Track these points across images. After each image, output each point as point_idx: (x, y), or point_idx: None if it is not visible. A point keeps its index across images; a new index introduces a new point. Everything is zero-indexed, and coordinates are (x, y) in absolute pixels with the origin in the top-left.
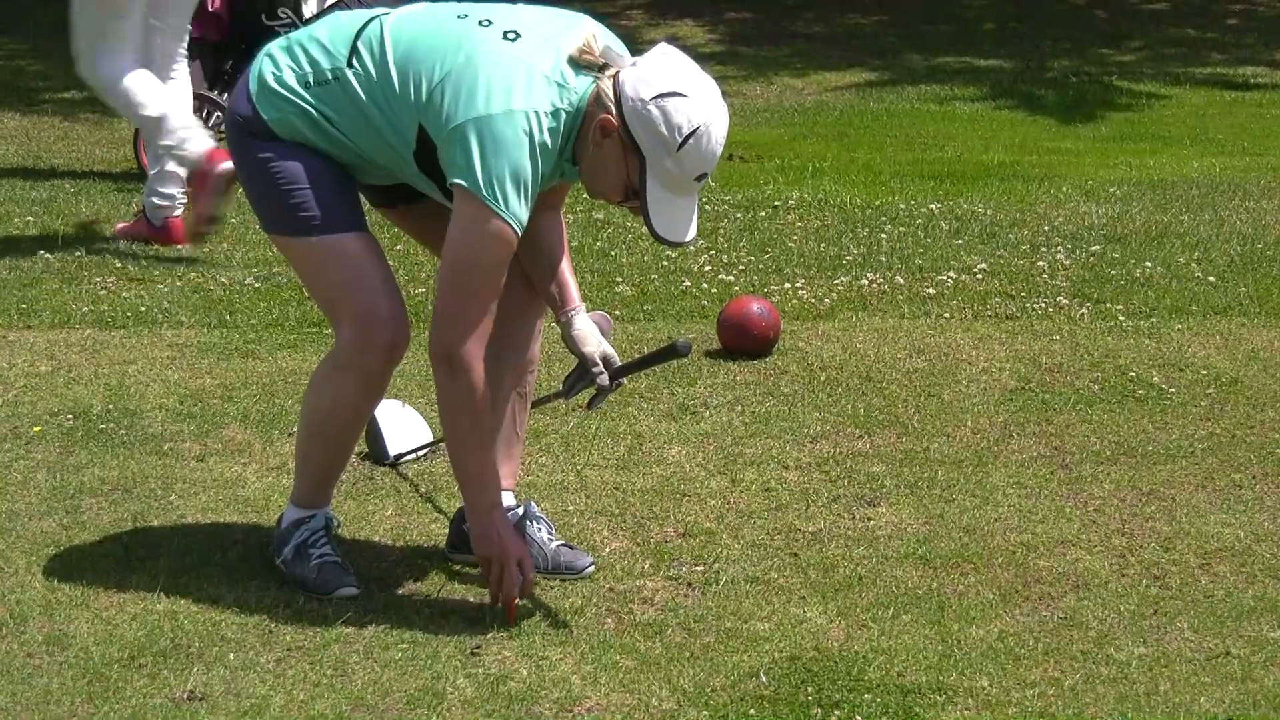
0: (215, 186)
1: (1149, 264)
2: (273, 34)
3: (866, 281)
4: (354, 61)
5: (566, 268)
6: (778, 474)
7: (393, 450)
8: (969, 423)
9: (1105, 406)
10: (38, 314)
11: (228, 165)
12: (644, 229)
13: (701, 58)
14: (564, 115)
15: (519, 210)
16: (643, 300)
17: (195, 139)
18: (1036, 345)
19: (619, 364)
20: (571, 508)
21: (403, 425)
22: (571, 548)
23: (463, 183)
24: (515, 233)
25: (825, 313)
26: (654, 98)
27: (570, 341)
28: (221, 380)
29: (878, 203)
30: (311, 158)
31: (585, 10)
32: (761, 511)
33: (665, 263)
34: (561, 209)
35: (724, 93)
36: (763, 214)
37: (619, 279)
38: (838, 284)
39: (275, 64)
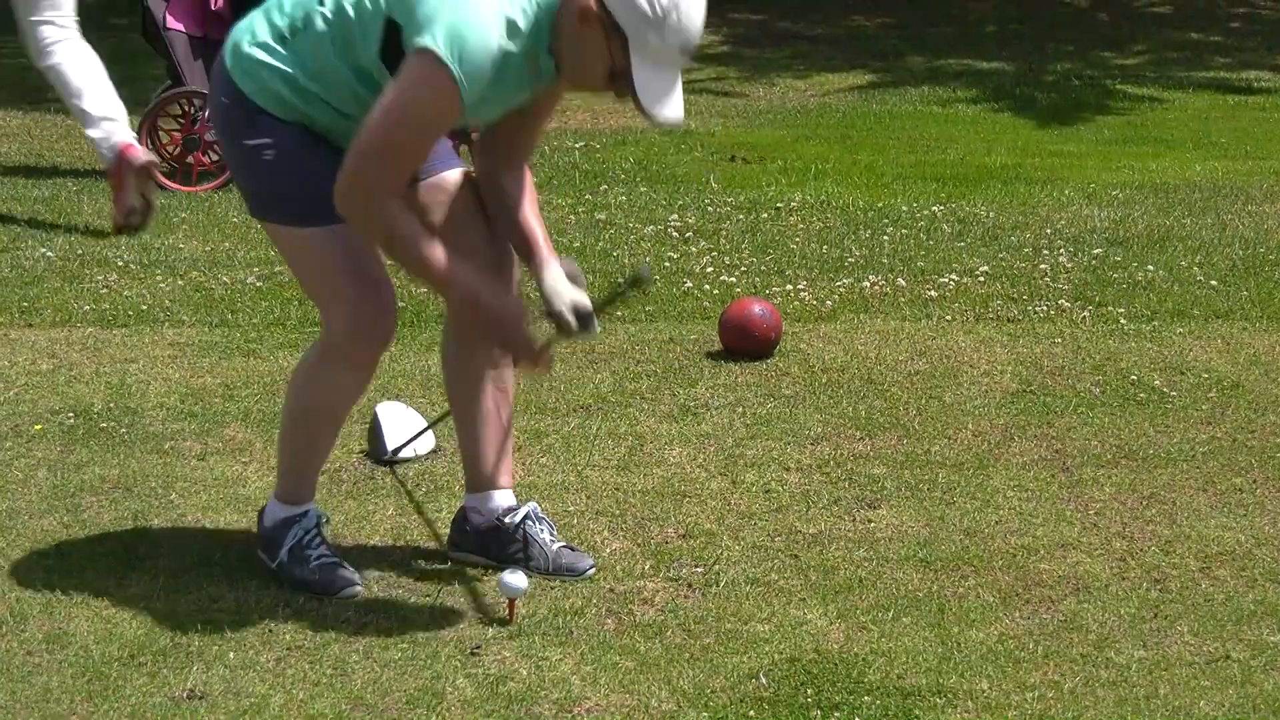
0: (132, 178)
1: (1151, 267)
2: None
3: (868, 284)
4: (324, 1)
5: (533, 218)
6: (778, 476)
7: (391, 446)
8: (970, 425)
9: (1106, 410)
10: (39, 312)
11: (141, 158)
12: (645, 263)
13: (704, 59)
14: (538, 2)
15: (472, 74)
16: (644, 301)
17: (117, 132)
18: (1038, 348)
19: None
20: (572, 508)
21: (404, 425)
22: (573, 549)
23: (420, 39)
24: (460, 96)
25: (827, 315)
26: None
27: (544, 299)
28: (223, 379)
29: (880, 205)
30: (302, 141)
31: None
32: (762, 513)
33: (667, 264)
34: (527, 165)
35: (727, 93)
36: (765, 215)
37: (621, 280)
38: (839, 286)
39: (251, 33)
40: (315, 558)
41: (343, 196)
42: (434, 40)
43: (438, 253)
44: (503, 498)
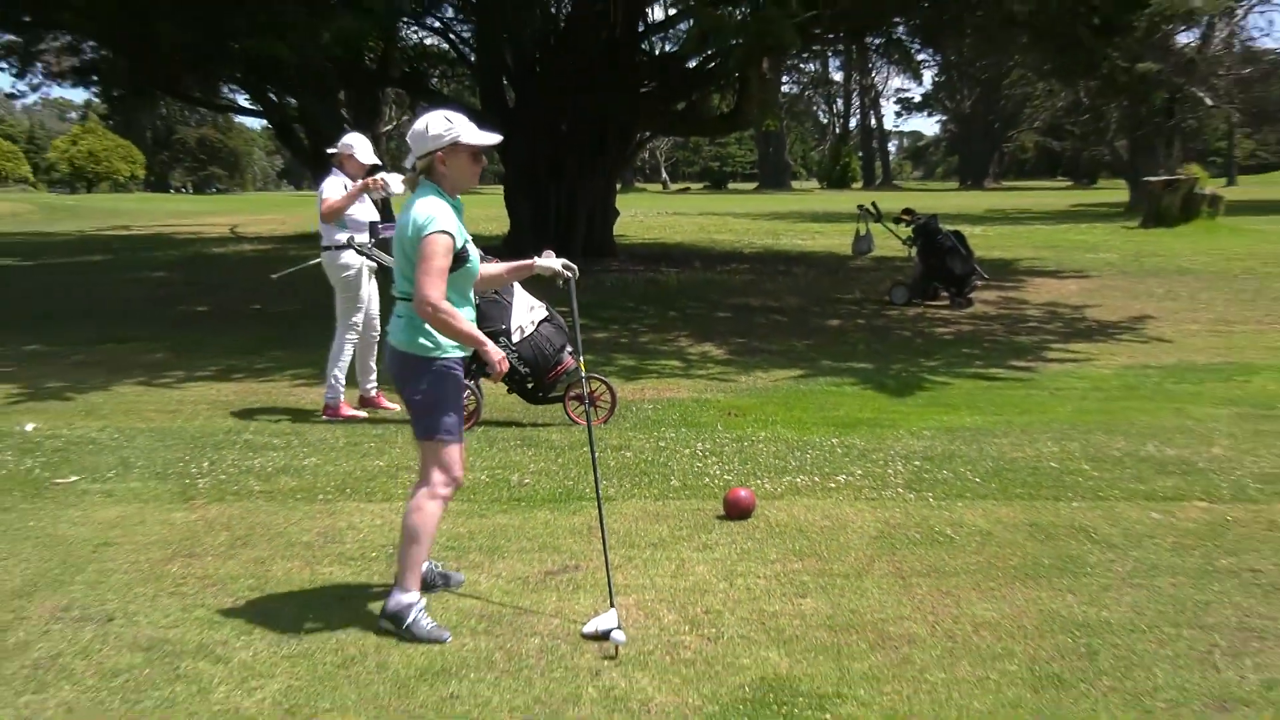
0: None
1: (944, 472)
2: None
3: (800, 480)
4: None
5: (500, 266)
6: (753, 580)
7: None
8: (853, 553)
9: (923, 546)
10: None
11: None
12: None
13: (715, 362)
14: (433, 189)
15: (448, 223)
16: (684, 490)
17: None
18: (886, 513)
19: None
20: (646, 599)
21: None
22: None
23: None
24: (451, 236)
25: (778, 496)
26: (427, 133)
27: (549, 271)
28: (469, 529)
29: (805, 438)
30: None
31: (652, 336)
32: (745, 600)
33: (696, 470)
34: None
35: (726, 380)
36: (746, 444)
37: (672, 478)
38: (784, 481)
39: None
40: (427, 623)
41: (422, 310)
42: (428, 228)
43: (460, 325)
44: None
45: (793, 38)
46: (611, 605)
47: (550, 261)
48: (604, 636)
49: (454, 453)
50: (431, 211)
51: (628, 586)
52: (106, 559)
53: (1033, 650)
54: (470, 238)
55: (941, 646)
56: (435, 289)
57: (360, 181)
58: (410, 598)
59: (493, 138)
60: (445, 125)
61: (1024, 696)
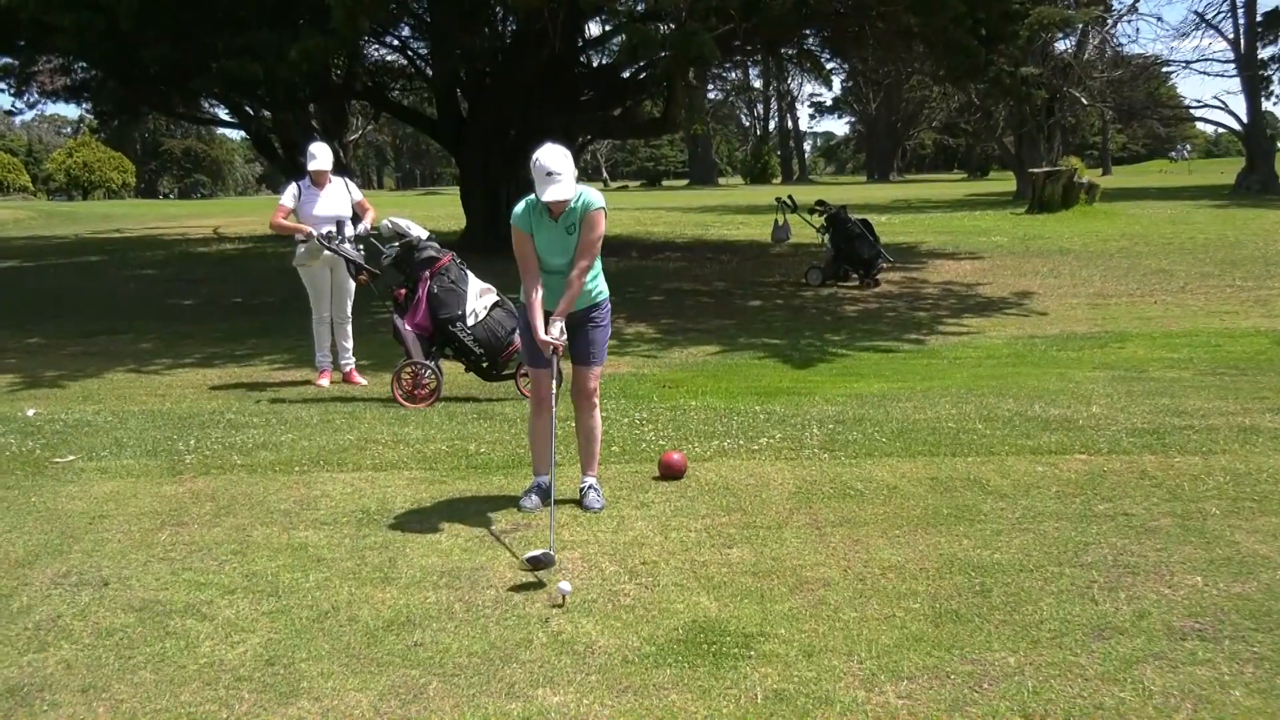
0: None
1: (854, 434)
2: (454, 336)
3: (726, 443)
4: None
5: (570, 291)
6: (685, 533)
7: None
8: (774, 506)
9: (836, 499)
10: (358, 459)
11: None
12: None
13: (649, 341)
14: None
15: (517, 219)
16: (624, 455)
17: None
18: (803, 471)
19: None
20: (592, 551)
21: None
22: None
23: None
24: (519, 228)
25: (707, 458)
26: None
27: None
28: (431, 494)
29: (729, 406)
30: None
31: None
32: (679, 551)
33: (636, 433)
34: (578, 269)
35: (658, 356)
36: (679, 411)
37: (613, 445)
38: (713, 445)
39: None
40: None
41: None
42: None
43: (533, 294)
44: (587, 478)
45: (712, 50)
46: (550, 547)
47: (556, 331)
48: (539, 564)
49: (531, 376)
50: (516, 208)
51: (573, 541)
52: (102, 529)
53: (934, 590)
54: (548, 228)
55: (853, 588)
56: (519, 267)
57: (303, 230)
58: (530, 484)
59: (548, 196)
60: (534, 160)
61: (926, 631)
